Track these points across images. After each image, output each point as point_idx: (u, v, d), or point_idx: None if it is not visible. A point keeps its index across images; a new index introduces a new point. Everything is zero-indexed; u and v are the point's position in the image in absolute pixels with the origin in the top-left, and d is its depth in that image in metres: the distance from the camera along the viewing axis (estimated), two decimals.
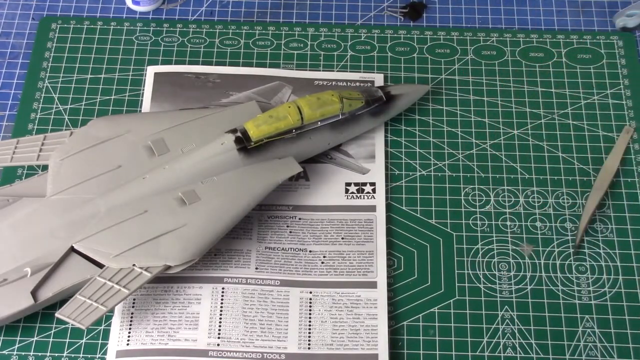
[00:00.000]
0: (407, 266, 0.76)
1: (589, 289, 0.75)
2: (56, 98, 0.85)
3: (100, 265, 0.70)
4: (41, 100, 0.85)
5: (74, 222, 0.71)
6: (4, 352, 0.71)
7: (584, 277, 0.75)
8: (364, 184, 0.80)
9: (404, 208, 0.79)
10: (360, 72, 0.87)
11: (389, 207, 0.79)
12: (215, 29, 0.91)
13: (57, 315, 0.67)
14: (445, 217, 0.78)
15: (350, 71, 0.88)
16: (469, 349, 0.72)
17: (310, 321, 0.72)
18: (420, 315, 0.73)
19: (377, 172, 0.80)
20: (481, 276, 0.75)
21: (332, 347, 0.71)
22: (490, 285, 0.75)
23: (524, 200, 0.79)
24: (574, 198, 0.80)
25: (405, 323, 0.73)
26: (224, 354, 0.70)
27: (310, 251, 0.76)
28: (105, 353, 0.70)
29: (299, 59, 0.88)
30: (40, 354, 0.71)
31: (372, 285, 0.74)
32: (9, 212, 0.72)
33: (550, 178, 0.81)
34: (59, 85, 0.86)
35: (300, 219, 0.78)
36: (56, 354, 0.71)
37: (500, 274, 0.75)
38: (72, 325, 0.67)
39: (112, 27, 0.90)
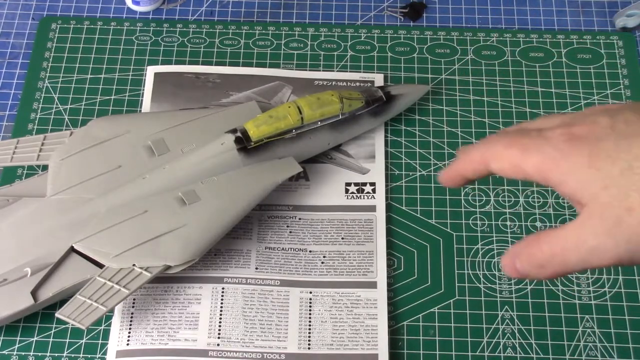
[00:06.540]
0: (407, 266, 0.76)
1: (589, 289, 0.75)
2: (56, 98, 0.85)
3: (100, 265, 0.70)
4: (41, 100, 0.85)
5: (74, 222, 0.71)
6: (4, 352, 0.71)
7: (584, 277, 0.75)
8: (364, 184, 0.80)
9: (404, 208, 0.79)
10: (360, 72, 0.87)
11: (389, 207, 0.79)
12: (215, 29, 0.90)
13: (57, 315, 0.67)
14: (445, 217, 0.78)
15: (350, 71, 0.88)
16: (469, 349, 0.72)
17: (310, 321, 0.72)
18: (420, 315, 0.73)
19: (377, 172, 0.80)
20: (481, 276, 0.75)
21: (332, 347, 0.71)
22: (490, 285, 0.75)
23: (524, 200, 0.79)
24: None
25: (405, 323, 0.73)
26: (224, 354, 0.70)
27: (310, 251, 0.76)
28: (105, 353, 0.70)
29: (299, 59, 0.88)
30: (40, 354, 0.71)
31: (372, 285, 0.74)
32: (9, 212, 0.72)
33: None
34: (59, 85, 0.86)
35: (300, 219, 0.78)
36: (56, 354, 0.71)
37: (500, 274, 0.75)
38: (72, 325, 0.67)
39: (112, 27, 0.90)
